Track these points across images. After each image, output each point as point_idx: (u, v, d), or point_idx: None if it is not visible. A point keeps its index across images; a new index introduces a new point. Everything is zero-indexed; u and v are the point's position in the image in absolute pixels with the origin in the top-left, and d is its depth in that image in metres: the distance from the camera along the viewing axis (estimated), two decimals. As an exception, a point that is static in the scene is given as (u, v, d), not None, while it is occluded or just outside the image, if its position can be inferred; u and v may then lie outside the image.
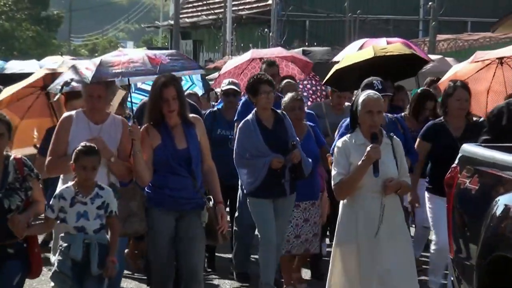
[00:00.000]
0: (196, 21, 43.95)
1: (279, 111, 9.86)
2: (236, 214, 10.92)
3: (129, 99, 9.91)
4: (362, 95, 7.66)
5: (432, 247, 9.60)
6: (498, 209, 6.53)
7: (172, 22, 43.69)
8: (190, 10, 45.63)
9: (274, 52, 15.17)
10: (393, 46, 12.58)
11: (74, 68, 8.46)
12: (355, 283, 7.57)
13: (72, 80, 8.24)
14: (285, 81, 12.06)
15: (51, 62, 18.66)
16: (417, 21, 31.31)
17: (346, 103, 12.45)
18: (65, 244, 7.23)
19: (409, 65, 12.30)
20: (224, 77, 13.31)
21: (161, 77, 8.09)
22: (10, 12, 66.26)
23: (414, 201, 10.02)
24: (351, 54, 13.20)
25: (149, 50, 8.67)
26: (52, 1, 71.88)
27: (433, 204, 9.61)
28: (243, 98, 11.40)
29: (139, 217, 8.09)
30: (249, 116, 9.79)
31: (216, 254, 11.67)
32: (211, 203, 8.04)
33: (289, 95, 10.33)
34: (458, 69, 11.60)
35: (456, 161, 7.46)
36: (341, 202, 7.78)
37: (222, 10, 39.03)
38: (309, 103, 13.49)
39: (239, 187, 10.49)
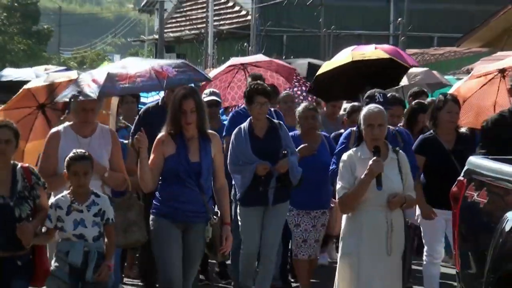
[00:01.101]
0: (179, 35, 43.44)
1: (276, 121, 9.26)
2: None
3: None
4: (364, 109, 7.15)
5: (425, 258, 8.94)
6: (508, 225, 5.98)
7: (156, 36, 43.42)
8: (174, 25, 45.24)
9: (254, 58, 14.62)
10: (372, 51, 11.76)
11: (78, 80, 7.82)
12: None
13: (79, 93, 7.48)
14: (284, 92, 11.48)
15: (41, 71, 17.64)
16: (387, 36, 30.98)
17: (341, 112, 12.09)
18: (64, 250, 6.67)
19: (392, 73, 11.59)
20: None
21: (181, 89, 7.54)
22: (2, 26, 65.81)
23: (425, 214, 8.97)
24: (331, 61, 12.43)
25: (156, 62, 8.01)
26: (42, 16, 71.48)
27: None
28: (231, 113, 10.75)
29: (138, 226, 7.66)
30: (243, 124, 9.21)
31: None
32: (216, 218, 7.38)
33: (302, 105, 9.85)
34: (460, 86, 10.89)
35: (462, 174, 6.91)
36: (344, 216, 7.16)
37: (204, 25, 38.90)
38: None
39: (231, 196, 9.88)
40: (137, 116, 9.57)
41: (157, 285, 9.22)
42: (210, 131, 7.65)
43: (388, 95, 9.78)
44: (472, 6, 31.47)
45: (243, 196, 9.07)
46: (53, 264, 6.76)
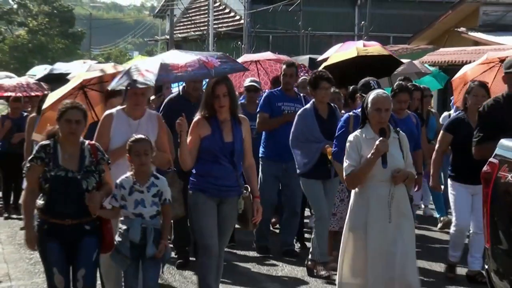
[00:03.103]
0: (186, 36, 42.82)
1: (332, 104, 8.72)
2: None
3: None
4: (372, 94, 6.39)
5: (452, 227, 8.21)
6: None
7: (167, 37, 43.18)
8: (181, 27, 44.60)
9: (265, 55, 13.98)
10: (373, 48, 11.21)
11: (130, 70, 7.17)
12: (365, 265, 6.22)
13: (135, 82, 6.80)
14: (301, 78, 10.61)
15: (80, 64, 17.12)
16: (353, 36, 31.01)
17: None
18: (124, 227, 6.09)
19: (385, 66, 11.01)
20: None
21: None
22: (45, 29, 65.47)
23: (435, 187, 8.66)
24: (337, 53, 11.60)
25: (200, 54, 7.46)
26: (77, 21, 71.04)
27: (455, 191, 8.19)
28: (265, 93, 10.04)
29: (179, 202, 6.97)
30: (307, 106, 8.62)
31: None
32: (247, 192, 6.76)
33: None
34: (468, 70, 10.14)
35: (494, 156, 6.04)
36: (352, 191, 6.45)
37: (206, 27, 38.54)
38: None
39: (260, 171, 9.27)
40: (162, 105, 8.92)
41: (190, 258, 8.79)
42: (240, 115, 6.93)
43: (395, 83, 9.13)
44: (420, 11, 31.01)
45: (308, 170, 8.45)
46: (116, 239, 6.13)
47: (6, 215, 12.67)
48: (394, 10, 33.00)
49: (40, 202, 5.82)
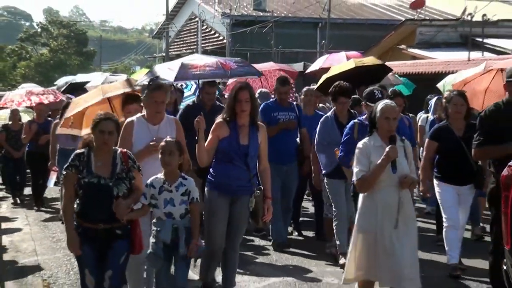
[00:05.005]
0: (179, 53, 41.86)
1: (352, 111, 7.93)
2: None
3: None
4: (380, 104, 5.59)
5: (445, 224, 7.16)
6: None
7: (164, 54, 42.88)
8: (175, 46, 44.08)
9: (268, 65, 13.16)
10: (368, 58, 10.55)
11: (153, 69, 6.55)
12: (373, 265, 5.49)
13: (157, 77, 6.10)
14: (305, 88, 9.48)
15: (99, 75, 16.99)
16: (316, 52, 31.00)
17: (320, 104, 10.69)
18: (157, 229, 5.36)
19: (375, 74, 10.22)
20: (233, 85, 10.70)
21: (238, 83, 6.18)
22: (63, 48, 65.14)
23: (425, 192, 7.64)
24: (337, 65, 10.75)
25: (219, 57, 6.84)
26: (89, 41, 70.68)
27: (441, 189, 7.25)
28: (262, 105, 8.68)
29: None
30: (329, 114, 7.86)
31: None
32: (259, 192, 5.99)
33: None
34: (468, 75, 9.37)
35: None
36: (361, 194, 5.66)
37: (195, 46, 38.64)
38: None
39: None
40: (180, 110, 8.15)
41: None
42: (259, 122, 6.18)
43: (390, 90, 8.45)
44: (369, 32, 31.07)
45: (331, 171, 7.68)
46: (151, 240, 5.39)
47: (35, 208, 12.16)
48: (348, 31, 32.98)
49: (75, 206, 5.16)
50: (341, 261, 7.46)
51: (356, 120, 7.01)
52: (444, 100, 7.56)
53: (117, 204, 5.05)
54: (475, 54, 20.89)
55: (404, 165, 5.54)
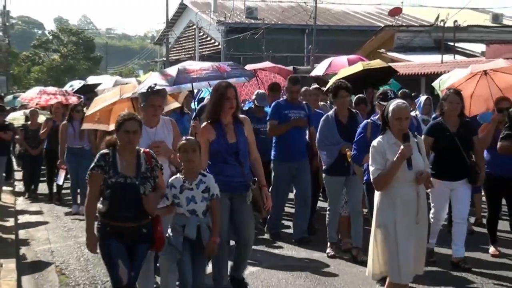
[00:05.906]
0: (178, 58, 41.54)
1: (354, 110, 7.50)
2: (271, 188, 8.13)
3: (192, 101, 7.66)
4: (392, 105, 5.19)
5: (431, 216, 6.79)
6: None
7: (164, 59, 42.71)
8: (174, 51, 43.79)
9: (265, 64, 12.66)
10: (375, 62, 10.03)
11: (153, 76, 6.36)
12: (395, 260, 5.06)
13: (155, 84, 5.81)
14: (304, 88, 9.17)
15: (109, 78, 16.45)
16: (303, 56, 31.02)
17: (321, 102, 10.23)
18: (180, 223, 4.98)
19: (381, 76, 9.71)
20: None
21: (222, 83, 5.85)
22: (73, 54, 64.88)
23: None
24: (345, 68, 10.26)
25: (214, 62, 6.64)
26: (97, 48, 70.24)
27: (434, 186, 6.54)
28: (274, 103, 8.57)
29: None
30: (330, 113, 7.48)
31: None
32: (254, 185, 5.67)
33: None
34: (460, 76, 8.85)
35: None
36: (377, 192, 5.23)
37: (193, 51, 38.44)
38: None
39: (271, 168, 8.25)
40: (195, 112, 7.74)
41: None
42: (241, 115, 5.88)
43: (400, 91, 7.94)
44: (352, 37, 31.02)
45: (329, 168, 7.34)
46: (169, 233, 5.02)
47: (50, 203, 11.90)
48: (333, 37, 32.82)
49: (101, 206, 4.73)
50: (354, 253, 7.20)
51: (369, 120, 6.65)
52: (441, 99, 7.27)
53: (147, 198, 4.69)
54: (448, 57, 20.97)
55: (419, 160, 5.15)
